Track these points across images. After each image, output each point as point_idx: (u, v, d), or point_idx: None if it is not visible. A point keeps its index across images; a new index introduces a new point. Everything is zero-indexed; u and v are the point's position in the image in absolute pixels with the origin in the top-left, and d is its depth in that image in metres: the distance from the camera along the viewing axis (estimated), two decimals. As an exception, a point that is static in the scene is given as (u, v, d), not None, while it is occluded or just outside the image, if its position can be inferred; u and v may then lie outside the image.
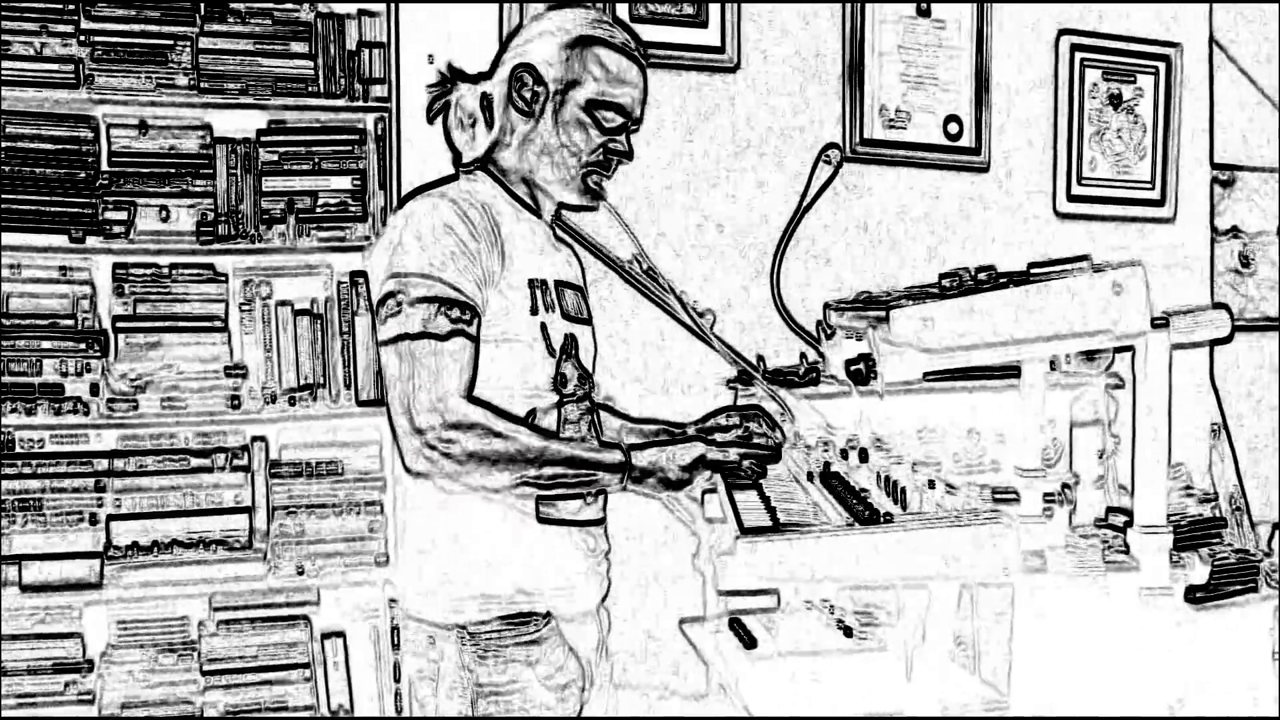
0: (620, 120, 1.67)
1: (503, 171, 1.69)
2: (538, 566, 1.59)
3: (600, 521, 1.67)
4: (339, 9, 2.38)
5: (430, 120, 1.73)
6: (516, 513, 1.57)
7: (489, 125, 1.68)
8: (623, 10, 2.43)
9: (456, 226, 1.54)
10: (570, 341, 1.63)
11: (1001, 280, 1.78)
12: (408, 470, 1.51)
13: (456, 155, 1.72)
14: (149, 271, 2.34)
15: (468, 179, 1.68)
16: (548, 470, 1.53)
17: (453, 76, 1.72)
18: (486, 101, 1.68)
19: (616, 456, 1.57)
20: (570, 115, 1.65)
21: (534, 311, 1.59)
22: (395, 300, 1.51)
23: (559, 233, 1.75)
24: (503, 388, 1.56)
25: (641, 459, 1.58)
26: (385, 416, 1.54)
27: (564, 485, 1.55)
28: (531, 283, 1.61)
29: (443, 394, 1.49)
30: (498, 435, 1.50)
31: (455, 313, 1.51)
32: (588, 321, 1.71)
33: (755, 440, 1.83)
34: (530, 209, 1.69)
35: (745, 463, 1.65)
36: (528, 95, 1.65)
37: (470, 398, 1.51)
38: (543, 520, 1.58)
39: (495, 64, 1.71)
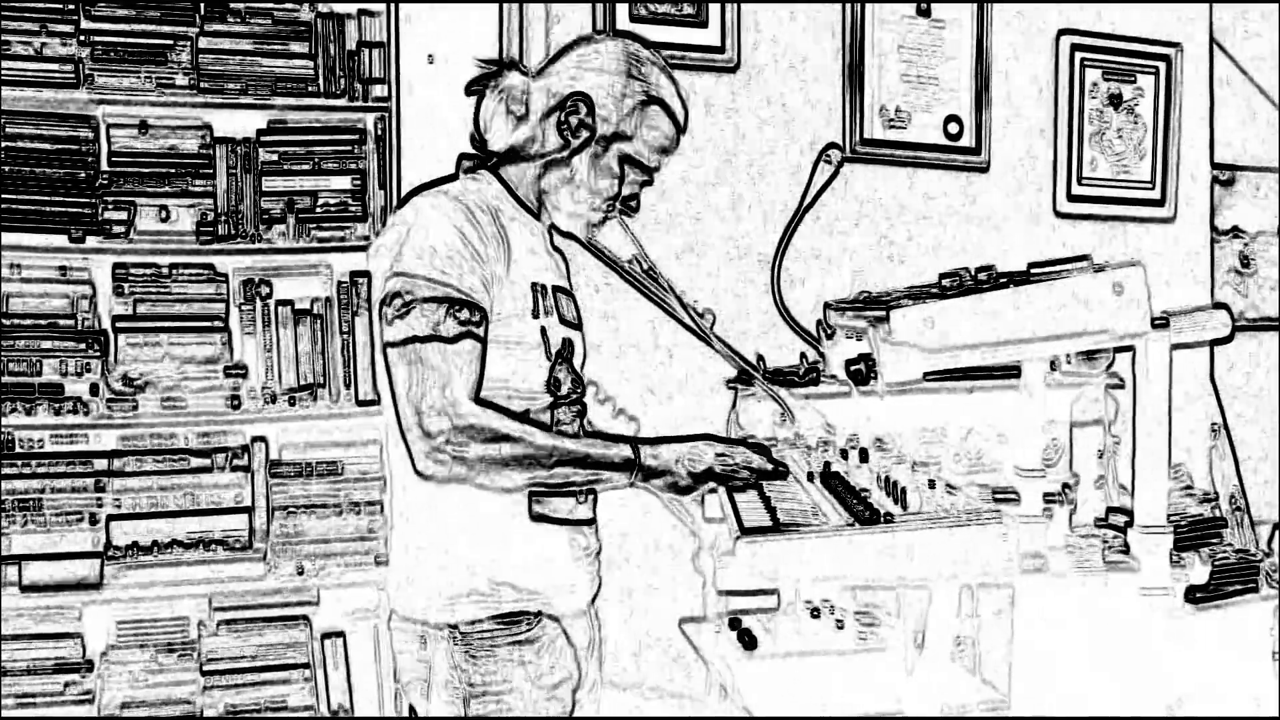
0: (644, 179, 1.73)
1: (512, 175, 1.69)
2: (529, 566, 1.58)
3: (591, 521, 1.67)
4: (339, 9, 2.38)
5: (469, 94, 1.73)
6: (508, 511, 1.57)
7: (519, 125, 1.68)
8: (623, 10, 2.42)
9: (465, 228, 1.54)
10: (567, 346, 1.63)
11: (1001, 280, 1.79)
12: (418, 473, 1.50)
13: (475, 141, 1.72)
14: (149, 271, 2.34)
15: (472, 180, 1.67)
16: (559, 470, 1.54)
17: (510, 63, 1.73)
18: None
19: (625, 452, 1.58)
20: (607, 163, 1.68)
21: (535, 315, 1.59)
22: (402, 301, 1.50)
23: (554, 239, 1.76)
24: (498, 389, 1.55)
25: (650, 457, 1.59)
26: (392, 416, 1.52)
27: (574, 485, 1.57)
28: (533, 286, 1.61)
29: (452, 398, 1.48)
30: (508, 438, 1.50)
31: (464, 314, 1.50)
32: (579, 327, 1.71)
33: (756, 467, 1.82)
34: (532, 214, 1.69)
35: (752, 477, 1.66)
36: (574, 123, 1.65)
37: (479, 400, 1.51)
38: (535, 519, 1.58)
39: (542, 69, 1.71)
